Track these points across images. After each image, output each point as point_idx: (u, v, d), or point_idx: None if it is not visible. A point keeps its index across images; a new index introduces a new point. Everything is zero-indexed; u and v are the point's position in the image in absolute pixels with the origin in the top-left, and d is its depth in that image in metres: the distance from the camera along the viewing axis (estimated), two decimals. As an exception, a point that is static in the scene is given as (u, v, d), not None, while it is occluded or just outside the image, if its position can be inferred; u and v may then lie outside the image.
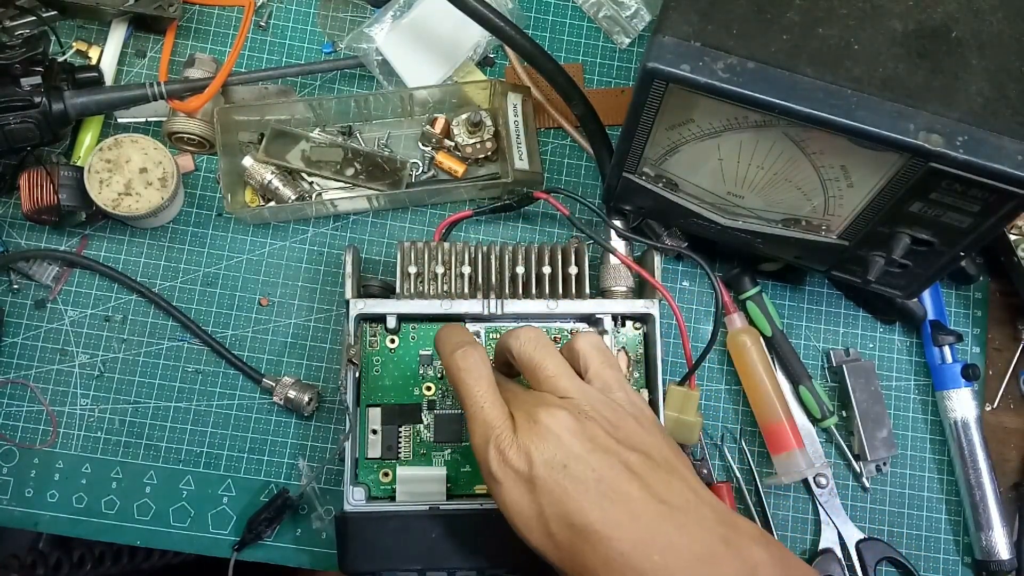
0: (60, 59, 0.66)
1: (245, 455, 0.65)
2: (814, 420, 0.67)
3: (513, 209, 0.68)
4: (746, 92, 0.47)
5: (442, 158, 0.68)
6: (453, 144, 0.68)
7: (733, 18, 0.49)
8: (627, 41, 0.72)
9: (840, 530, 0.66)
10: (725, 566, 0.44)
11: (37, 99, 0.61)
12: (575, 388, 0.49)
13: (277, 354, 0.66)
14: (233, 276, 0.67)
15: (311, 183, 0.68)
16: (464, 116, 0.67)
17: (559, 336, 0.63)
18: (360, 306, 0.61)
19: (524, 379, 0.52)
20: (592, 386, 0.50)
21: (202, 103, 0.65)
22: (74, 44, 0.69)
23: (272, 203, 0.66)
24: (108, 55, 0.68)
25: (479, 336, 0.62)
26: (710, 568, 0.43)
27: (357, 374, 0.61)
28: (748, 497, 0.66)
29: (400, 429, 0.61)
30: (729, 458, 0.67)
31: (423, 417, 0.61)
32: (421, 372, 0.62)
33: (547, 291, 0.63)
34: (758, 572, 0.44)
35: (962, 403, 0.67)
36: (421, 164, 0.69)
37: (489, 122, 0.68)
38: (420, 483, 0.60)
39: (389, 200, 0.67)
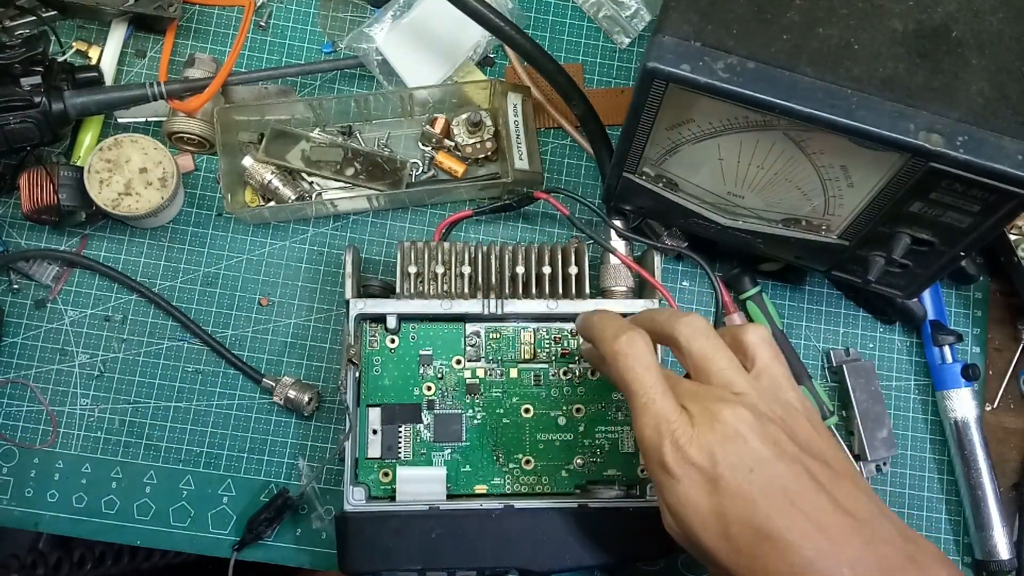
0: (60, 59, 0.66)
1: (245, 455, 0.65)
2: (814, 420, 0.67)
3: (513, 209, 0.68)
4: (746, 92, 0.47)
5: (442, 158, 0.68)
6: (453, 144, 0.68)
7: (733, 18, 0.49)
8: (627, 41, 0.72)
9: (840, 530, 0.66)
10: None
11: (37, 99, 0.61)
12: (749, 385, 0.47)
13: (277, 354, 0.66)
14: (233, 276, 0.67)
15: (311, 183, 0.68)
16: (464, 116, 0.67)
17: (559, 336, 0.63)
18: (360, 306, 0.61)
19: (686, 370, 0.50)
20: (760, 380, 0.48)
21: (202, 103, 0.65)
22: (74, 44, 0.69)
23: (272, 203, 0.66)
24: (108, 55, 0.68)
25: (479, 336, 0.62)
26: None
27: (357, 374, 0.61)
28: (748, 497, 0.66)
29: (400, 429, 0.61)
30: (729, 458, 0.67)
31: (423, 417, 0.61)
32: (421, 372, 0.62)
33: (547, 291, 0.63)
34: None
35: (962, 403, 0.67)
36: (421, 164, 0.69)
37: (489, 122, 0.68)
38: (420, 483, 0.60)
39: (389, 200, 0.67)
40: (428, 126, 0.68)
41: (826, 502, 0.44)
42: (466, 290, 0.62)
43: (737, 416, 0.45)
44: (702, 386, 0.48)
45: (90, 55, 0.68)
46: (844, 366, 0.67)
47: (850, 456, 0.48)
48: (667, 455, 0.45)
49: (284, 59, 0.71)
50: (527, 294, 0.63)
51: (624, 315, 0.63)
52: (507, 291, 0.63)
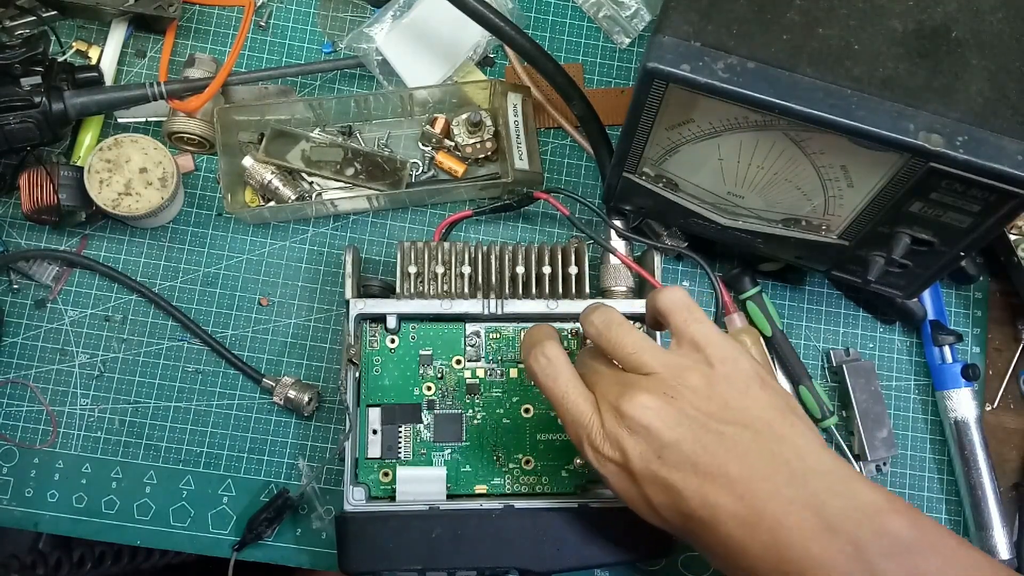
0: (60, 59, 0.66)
1: (245, 455, 0.65)
2: (814, 420, 0.67)
3: (513, 209, 0.68)
4: (746, 92, 0.47)
5: (442, 158, 0.68)
6: (453, 144, 0.68)
7: (733, 18, 0.49)
8: (627, 41, 0.72)
9: (840, 530, 0.65)
10: (841, 541, 0.41)
11: (37, 99, 0.61)
12: (658, 362, 0.47)
13: (277, 354, 0.66)
14: (233, 276, 0.67)
15: (311, 183, 0.68)
16: (464, 116, 0.67)
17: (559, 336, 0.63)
18: (360, 306, 0.61)
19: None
20: (680, 349, 0.48)
21: (202, 103, 0.65)
22: (74, 44, 0.69)
23: (272, 203, 0.66)
24: (108, 55, 0.68)
25: (479, 336, 0.62)
26: (825, 544, 0.41)
27: (357, 374, 0.61)
28: (748, 497, 0.66)
29: (400, 429, 0.61)
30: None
31: (423, 417, 0.61)
32: (421, 372, 0.62)
33: (547, 291, 0.63)
34: (888, 546, 0.41)
35: (962, 403, 0.67)
36: (421, 164, 0.69)
37: (489, 122, 0.68)
38: (420, 483, 0.60)
39: (389, 200, 0.67)
40: (428, 126, 0.68)
41: (738, 470, 0.44)
42: (466, 290, 0.62)
43: (638, 405, 0.45)
44: (616, 375, 0.48)
45: (90, 55, 0.68)
46: (844, 366, 0.67)
47: (784, 404, 0.46)
48: (588, 456, 0.48)
49: (284, 59, 0.71)
50: (527, 294, 0.63)
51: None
52: (507, 291, 0.63)
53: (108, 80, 0.67)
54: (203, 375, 0.66)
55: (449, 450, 0.61)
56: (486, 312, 0.61)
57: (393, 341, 0.62)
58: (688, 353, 0.47)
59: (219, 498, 0.64)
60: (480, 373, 0.62)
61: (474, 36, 0.69)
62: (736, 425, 0.45)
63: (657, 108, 0.51)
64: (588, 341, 0.55)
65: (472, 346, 0.62)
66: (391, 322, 0.61)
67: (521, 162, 0.66)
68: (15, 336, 0.65)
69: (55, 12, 0.67)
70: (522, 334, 0.63)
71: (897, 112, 0.47)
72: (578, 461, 0.61)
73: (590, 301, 0.62)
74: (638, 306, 0.62)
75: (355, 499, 0.59)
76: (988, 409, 0.69)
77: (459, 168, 0.68)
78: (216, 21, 0.71)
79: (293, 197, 0.66)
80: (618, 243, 0.65)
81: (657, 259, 0.64)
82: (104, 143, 0.63)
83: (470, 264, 0.63)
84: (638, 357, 0.47)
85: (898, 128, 0.46)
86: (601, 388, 0.48)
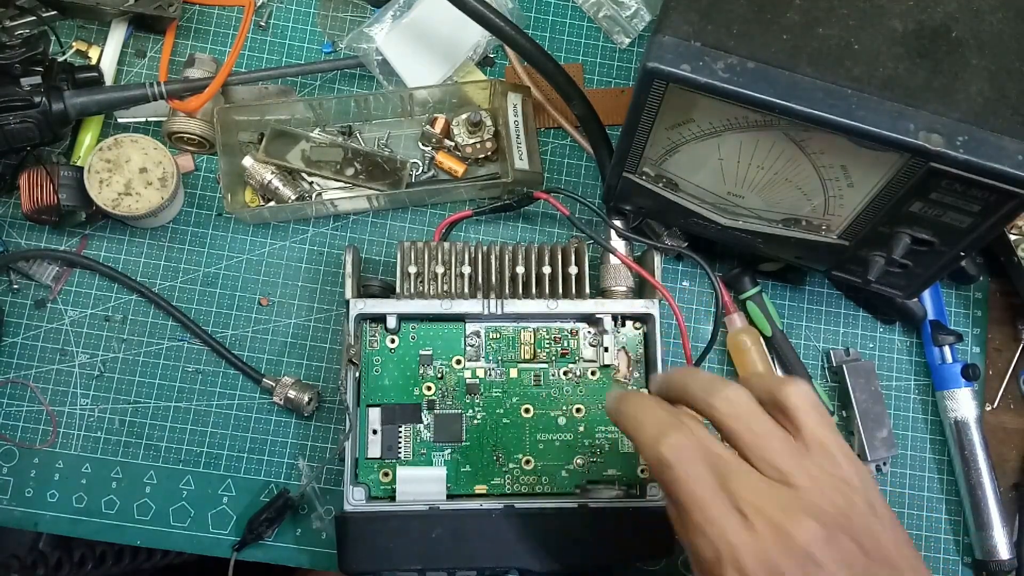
0: (60, 59, 0.66)
1: (245, 455, 0.65)
2: (814, 420, 0.67)
3: (513, 209, 0.68)
4: (746, 92, 0.47)
5: (442, 158, 0.68)
6: (453, 144, 0.68)
7: (733, 18, 0.49)
8: (627, 41, 0.72)
9: (840, 530, 0.65)
10: None
11: (37, 99, 0.61)
12: (804, 473, 0.42)
13: (277, 354, 0.66)
14: (233, 276, 0.67)
15: (311, 183, 0.68)
16: (464, 116, 0.67)
17: (559, 336, 0.63)
18: (360, 306, 0.61)
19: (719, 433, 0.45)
20: (811, 455, 0.43)
21: (202, 103, 0.65)
22: (74, 44, 0.69)
23: (272, 203, 0.66)
24: (108, 55, 0.68)
25: (479, 336, 0.62)
26: None
27: (357, 374, 0.61)
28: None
29: (400, 429, 0.61)
30: (729, 458, 0.66)
31: (423, 417, 0.61)
32: (421, 372, 0.62)
33: (547, 291, 0.63)
34: None
35: (962, 403, 0.67)
36: (421, 164, 0.69)
37: (489, 122, 0.68)
38: (420, 483, 0.60)
39: (389, 200, 0.67)
40: (428, 126, 0.68)
41: None
42: (466, 290, 0.62)
43: (807, 533, 0.40)
44: (759, 487, 0.42)
45: (90, 55, 0.68)
46: (844, 366, 0.67)
47: (906, 534, 0.44)
48: None
49: (284, 59, 0.71)
50: (527, 294, 0.63)
51: (621, 316, 0.63)
52: (507, 291, 0.63)
53: (108, 80, 0.67)
54: (203, 375, 0.66)
55: (449, 450, 0.61)
56: (486, 312, 0.61)
57: (393, 341, 0.62)
58: (823, 463, 0.43)
59: (219, 498, 0.64)
60: (480, 373, 0.62)
61: (474, 36, 0.69)
62: (887, 567, 0.42)
63: (657, 108, 0.51)
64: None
65: (472, 346, 0.62)
66: (391, 322, 0.61)
67: (521, 162, 0.66)
68: (15, 336, 0.65)
69: (55, 12, 0.67)
70: (523, 334, 0.63)
71: (897, 112, 0.47)
72: (578, 461, 0.61)
73: (590, 301, 0.62)
74: (638, 306, 0.62)
75: (355, 499, 0.59)
76: (988, 409, 0.69)
77: (459, 168, 0.68)
78: (216, 21, 0.71)
79: (293, 197, 0.66)
80: (618, 243, 0.65)
81: (657, 259, 0.64)
82: (104, 143, 0.63)
83: (470, 264, 0.63)
84: (783, 460, 0.42)
85: (898, 128, 0.46)
86: (741, 496, 0.42)
